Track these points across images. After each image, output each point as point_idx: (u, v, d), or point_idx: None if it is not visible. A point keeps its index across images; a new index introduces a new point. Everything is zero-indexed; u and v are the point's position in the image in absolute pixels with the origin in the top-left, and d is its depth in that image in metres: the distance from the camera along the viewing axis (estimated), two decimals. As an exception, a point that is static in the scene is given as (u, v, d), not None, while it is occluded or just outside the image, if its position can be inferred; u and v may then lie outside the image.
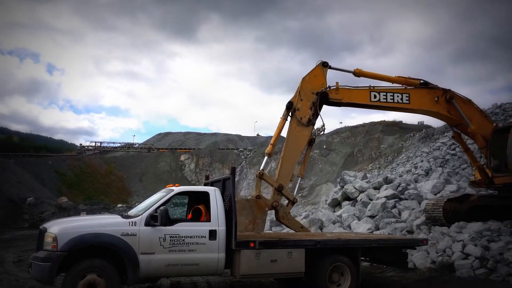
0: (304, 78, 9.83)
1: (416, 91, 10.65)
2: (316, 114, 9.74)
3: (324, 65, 10.00)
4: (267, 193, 10.20)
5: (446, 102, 10.81)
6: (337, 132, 67.34)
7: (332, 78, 10.16)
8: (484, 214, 11.41)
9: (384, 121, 65.74)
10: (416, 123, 64.76)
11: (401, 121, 65.70)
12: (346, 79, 10.20)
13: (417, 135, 50.70)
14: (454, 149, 27.89)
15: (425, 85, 10.78)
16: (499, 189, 11.86)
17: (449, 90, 10.92)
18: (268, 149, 9.68)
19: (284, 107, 9.79)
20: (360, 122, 65.68)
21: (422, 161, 28.91)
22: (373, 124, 65.06)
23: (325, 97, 9.84)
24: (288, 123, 9.77)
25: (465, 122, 10.95)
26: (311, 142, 10.16)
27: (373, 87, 10.39)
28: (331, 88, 9.92)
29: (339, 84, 10.01)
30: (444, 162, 26.21)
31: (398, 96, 10.43)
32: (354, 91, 10.20)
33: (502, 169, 11.10)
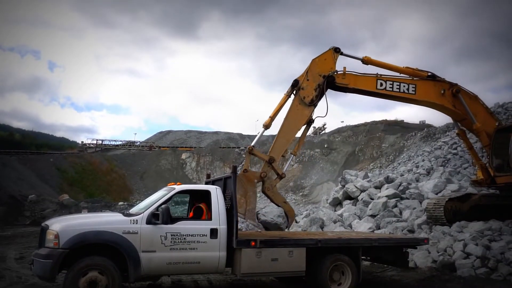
0: (314, 59, 9.88)
1: (422, 83, 10.64)
2: (319, 96, 9.78)
3: (336, 50, 10.03)
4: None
5: (452, 96, 10.80)
6: (338, 131, 67.30)
7: (340, 66, 10.25)
8: (485, 213, 11.41)
9: (386, 120, 65.70)
10: (418, 122, 64.75)
11: (403, 120, 65.73)
12: (354, 68, 10.27)
13: (419, 134, 50.65)
14: (455, 149, 27.87)
15: (433, 77, 10.78)
16: (500, 188, 11.85)
17: (455, 84, 10.90)
18: (267, 121, 9.71)
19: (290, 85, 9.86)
20: (362, 121, 65.54)
21: (423, 160, 28.89)
22: (374, 123, 65.00)
23: (331, 81, 9.88)
24: (291, 100, 9.80)
25: (470, 118, 10.91)
26: (309, 123, 10.12)
27: (380, 75, 10.41)
28: (339, 72, 9.98)
29: (347, 70, 10.06)
30: (446, 161, 26.19)
31: (404, 86, 10.44)
32: (361, 78, 10.22)
33: (504, 169, 11.08)
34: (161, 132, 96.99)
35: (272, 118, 9.71)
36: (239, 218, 7.27)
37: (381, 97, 10.77)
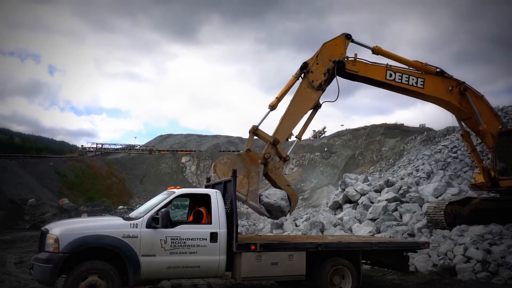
0: (325, 43, 9.75)
1: (431, 78, 10.60)
2: (328, 82, 9.61)
3: (347, 37, 9.92)
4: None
5: (459, 94, 10.76)
6: (338, 134, 67.35)
7: (349, 54, 10.01)
8: (485, 217, 11.39)
9: (386, 123, 65.76)
10: (418, 126, 64.79)
11: (403, 124, 65.78)
12: (363, 58, 10.13)
13: (419, 138, 50.64)
14: (455, 152, 27.87)
15: (441, 74, 10.76)
16: (501, 192, 11.83)
17: (463, 82, 10.89)
18: (273, 102, 9.37)
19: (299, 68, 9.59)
20: (362, 125, 65.64)
21: (423, 164, 28.88)
22: (374, 126, 65.03)
23: (341, 67, 9.72)
24: (299, 83, 9.57)
25: (475, 117, 10.88)
26: (316, 107, 9.85)
27: (390, 66, 10.30)
28: (349, 59, 9.84)
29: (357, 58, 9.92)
30: (446, 165, 26.18)
31: (413, 80, 10.35)
32: (370, 66, 10.12)
33: (508, 172, 11.05)
34: (161, 136, 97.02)
35: (279, 99, 9.38)
36: (239, 219, 7.18)
37: (389, 89, 10.63)
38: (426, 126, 63.64)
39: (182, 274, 6.82)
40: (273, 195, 8.70)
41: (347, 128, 69.83)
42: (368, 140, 59.79)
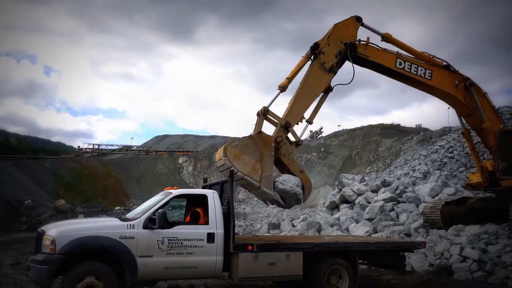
0: (336, 24, 9.43)
1: (438, 70, 10.53)
2: (340, 64, 9.30)
3: (358, 19, 9.66)
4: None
5: (464, 89, 10.74)
6: (335, 135, 67.49)
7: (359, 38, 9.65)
8: (481, 217, 11.44)
9: (382, 124, 66.01)
10: (414, 126, 65.04)
11: (399, 124, 66.05)
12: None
13: (415, 138, 50.84)
14: (451, 152, 28.01)
15: (447, 68, 10.72)
16: (497, 191, 11.89)
17: (468, 78, 10.86)
18: (284, 82, 8.85)
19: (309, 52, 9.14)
20: (358, 125, 65.81)
21: (420, 164, 29.01)
22: (371, 127, 65.25)
23: (352, 50, 9.40)
24: (309, 65, 9.18)
25: (479, 114, 10.87)
26: (327, 91, 9.49)
27: (400, 54, 10.12)
28: (361, 42, 9.60)
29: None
30: (442, 165, 26.31)
31: (421, 70, 10.22)
32: (381, 52, 9.90)
33: (511, 172, 11.07)
34: (157, 137, 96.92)
35: (290, 80, 8.87)
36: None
37: (397, 77, 10.46)
38: (423, 126, 63.97)
39: (179, 275, 6.81)
40: (288, 181, 8.14)
41: (344, 129, 70.06)
42: (364, 141, 59.94)
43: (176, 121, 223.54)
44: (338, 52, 9.26)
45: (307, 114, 9.07)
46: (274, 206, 9.26)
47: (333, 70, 9.20)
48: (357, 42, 9.50)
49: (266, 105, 8.50)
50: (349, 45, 9.32)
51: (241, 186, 8.36)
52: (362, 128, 66.11)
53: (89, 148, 74.54)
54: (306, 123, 9.23)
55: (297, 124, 8.94)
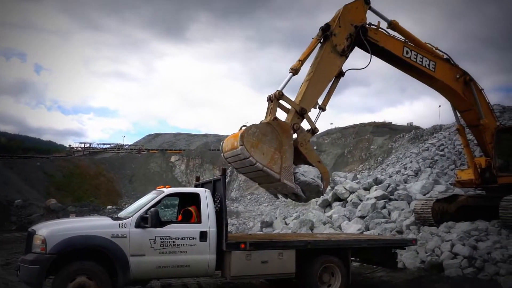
0: (346, 5, 8.97)
1: (441, 63, 10.42)
2: (351, 48, 8.90)
3: (366, 1, 9.27)
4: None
5: (464, 84, 10.70)
6: (327, 133, 67.76)
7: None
8: (472, 214, 11.56)
9: (374, 122, 66.51)
10: (406, 124, 65.55)
11: (391, 122, 66.57)
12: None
13: (406, 136, 51.20)
14: (442, 150, 28.26)
15: (447, 61, 10.63)
16: (488, 189, 12.04)
17: (467, 72, 10.81)
18: (295, 64, 8.20)
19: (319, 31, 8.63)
20: (351, 123, 66.16)
21: (411, 161, 29.22)
22: (363, 125, 65.66)
23: (363, 34, 8.98)
24: (319, 47, 8.71)
25: (477, 110, 10.89)
26: (339, 76, 9.10)
27: (407, 42, 9.89)
28: (372, 26, 9.23)
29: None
30: (433, 162, 26.53)
31: (426, 61, 10.03)
32: (390, 38, 9.60)
33: (509, 169, 11.15)
34: (150, 135, 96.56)
35: (302, 62, 8.26)
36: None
37: (401, 67, 10.20)
38: (414, 124, 64.51)
39: (172, 274, 6.80)
40: (309, 172, 7.55)
41: (336, 127, 70.39)
42: (357, 139, 60.27)
43: (168, 119, 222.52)
44: (348, 35, 8.83)
45: (319, 101, 8.61)
46: (283, 200, 8.58)
47: (345, 54, 8.80)
48: (368, 26, 9.15)
49: (279, 89, 7.72)
50: (360, 27, 8.91)
51: (252, 178, 7.82)
52: (354, 126, 66.51)
53: (80, 147, 74.07)
54: (319, 110, 8.72)
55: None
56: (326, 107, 8.81)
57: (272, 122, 7.31)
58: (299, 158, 7.73)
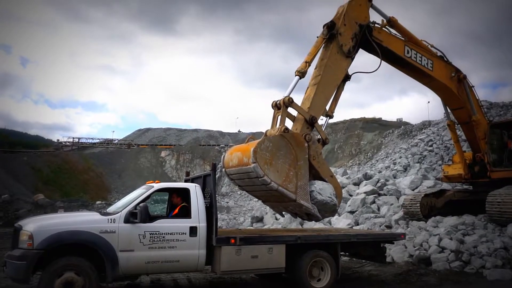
0: (350, 1, 8.42)
1: (437, 61, 10.28)
2: (357, 48, 8.41)
3: None
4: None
5: (458, 81, 10.66)
6: (318, 128, 67.87)
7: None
8: (459, 208, 11.73)
9: (364, 117, 66.81)
10: (395, 120, 66.07)
11: (381, 118, 66.97)
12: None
13: (396, 132, 51.66)
14: (431, 146, 28.60)
15: (441, 58, 10.51)
16: (475, 184, 12.21)
17: (460, 70, 10.72)
18: (302, 66, 7.51)
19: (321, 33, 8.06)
20: (341, 119, 66.46)
21: (400, 157, 29.53)
22: (353, 120, 65.98)
23: (368, 33, 8.59)
24: (324, 47, 8.16)
25: (470, 107, 10.91)
26: (345, 79, 8.56)
27: (407, 41, 9.58)
28: (376, 25, 8.83)
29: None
30: (422, 158, 26.86)
31: (425, 60, 9.81)
32: (393, 38, 9.27)
33: (504, 164, 11.27)
34: (139, 130, 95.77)
35: (309, 63, 7.63)
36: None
37: (400, 66, 9.94)
38: (403, 120, 65.05)
39: (162, 269, 6.77)
40: (324, 190, 6.99)
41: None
42: (347, 134, 60.61)
43: (157, 114, 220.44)
44: (353, 34, 8.30)
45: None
46: (287, 215, 7.80)
47: (351, 55, 8.27)
48: (373, 25, 8.76)
49: (286, 95, 7.01)
50: (366, 27, 8.47)
51: (257, 196, 7.28)
52: (344, 121, 66.79)
53: (69, 142, 73.11)
54: (325, 117, 8.22)
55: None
56: (333, 114, 8.25)
57: (285, 134, 6.67)
58: (310, 172, 7.13)
